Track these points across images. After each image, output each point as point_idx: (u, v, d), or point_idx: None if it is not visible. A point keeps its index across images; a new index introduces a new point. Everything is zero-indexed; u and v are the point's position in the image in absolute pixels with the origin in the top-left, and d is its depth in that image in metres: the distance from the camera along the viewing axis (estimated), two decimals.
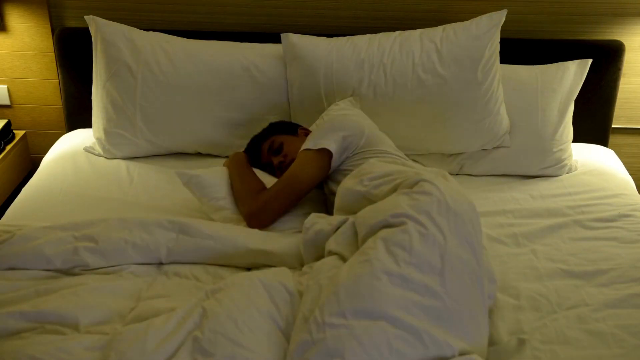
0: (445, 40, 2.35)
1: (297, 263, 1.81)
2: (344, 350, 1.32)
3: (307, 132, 2.25)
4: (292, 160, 2.09)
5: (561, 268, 1.89)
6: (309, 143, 2.03)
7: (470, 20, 2.37)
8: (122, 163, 2.45)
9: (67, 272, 1.77)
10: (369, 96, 2.36)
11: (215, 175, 2.09)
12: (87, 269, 1.77)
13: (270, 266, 1.78)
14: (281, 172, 2.13)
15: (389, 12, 2.63)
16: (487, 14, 2.35)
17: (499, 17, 2.34)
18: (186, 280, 1.78)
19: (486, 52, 2.33)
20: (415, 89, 2.34)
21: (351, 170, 1.98)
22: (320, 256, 1.74)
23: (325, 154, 2.01)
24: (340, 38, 2.43)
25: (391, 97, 2.35)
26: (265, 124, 2.38)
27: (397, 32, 2.42)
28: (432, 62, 2.33)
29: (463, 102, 2.34)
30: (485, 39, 2.33)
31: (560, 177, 2.43)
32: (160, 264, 1.84)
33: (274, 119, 2.43)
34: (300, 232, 1.85)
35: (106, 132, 2.45)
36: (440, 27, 2.40)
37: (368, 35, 2.43)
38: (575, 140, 2.53)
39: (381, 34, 2.43)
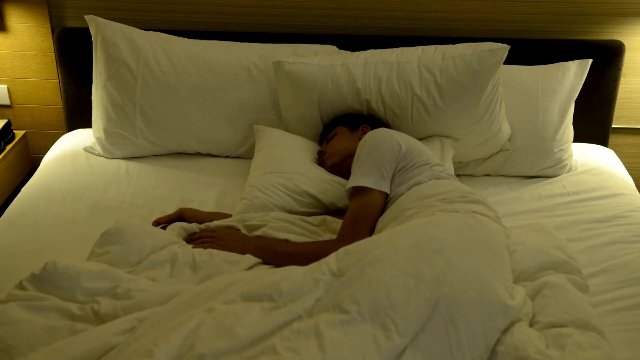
0: (444, 72, 2.25)
1: None
2: None
3: (365, 131, 2.19)
4: (331, 154, 2.18)
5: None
6: (353, 177, 1.93)
7: (472, 50, 2.25)
8: (122, 163, 2.45)
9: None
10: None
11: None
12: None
13: None
14: (318, 160, 2.24)
15: (390, 12, 2.62)
16: (489, 49, 2.23)
17: (502, 53, 2.23)
18: None
19: (488, 87, 2.26)
20: (417, 120, 2.29)
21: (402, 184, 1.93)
22: None
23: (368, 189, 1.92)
24: (334, 62, 2.33)
25: (391, 127, 2.30)
26: (264, 124, 2.42)
27: (394, 58, 2.31)
28: (432, 98, 2.26)
29: (463, 132, 2.32)
30: (486, 76, 2.24)
31: (560, 177, 2.43)
32: None
33: (273, 118, 2.44)
34: None
35: (106, 132, 2.45)
36: (439, 55, 2.29)
37: (363, 58, 2.33)
38: (575, 140, 2.53)
39: (377, 58, 2.32)
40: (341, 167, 2.16)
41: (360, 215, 1.86)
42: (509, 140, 2.41)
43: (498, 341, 1.48)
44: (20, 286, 1.59)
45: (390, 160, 1.91)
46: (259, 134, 2.38)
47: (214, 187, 2.32)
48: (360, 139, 2.17)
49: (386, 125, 2.29)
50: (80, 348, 1.40)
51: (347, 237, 1.81)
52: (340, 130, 2.24)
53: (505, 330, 1.50)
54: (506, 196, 2.33)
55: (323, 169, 2.20)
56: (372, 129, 2.20)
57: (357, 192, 1.89)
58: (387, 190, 1.90)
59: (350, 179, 1.94)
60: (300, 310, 1.43)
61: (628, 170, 2.53)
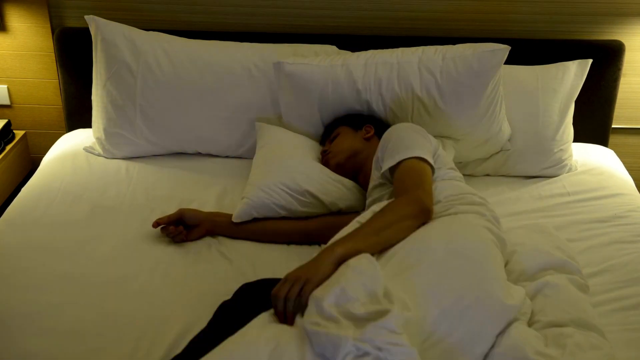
0: (445, 73, 2.24)
1: None
2: None
3: (369, 131, 2.21)
4: (335, 153, 2.17)
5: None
6: (393, 157, 1.88)
7: (472, 50, 2.24)
8: (122, 163, 2.45)
9: None
10: None
11: None
12: None
13: None
14: (322, 159, 2.23)
15: (390, 11, 2.63)
16: (490, 49, 2.22)
17: (502, 54, 2.22)
18: None
19: (488, 88, 2.25)
20: (417, 120, 2.28)
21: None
22: None
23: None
24: (335, 62, 2.32)
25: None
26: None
27: (394, 59, 2.30)
28: (432, 98, 2.25)
29: (464, 132, 2.32)
30: (487, 77, 2.23)
31: (560, 177, 2.43)
32: None
33: (273, 118, 2.44)
34: None
35: (106, 132, 2.45)
36: (439, 55, 2.28)
37: (363, 59, 2.32)
38: (575, 140, 2.53)
39: (377, 59, 2.31)
40: (346, 166, 2.16)
41: (421, 175, 1.82)
42: (509, 140, 2.41)
43: (495, 343, 1.47)
44: None
45: (431, 142, 1.98)
46: (260, 131, 2.38)
47: (214, 187, 2.32)
48: (364, 138, 2.19)
49: (389, 126, 2.29)
50: None
51: (414, 188, 1.74)
52: (344, 130, 2.24)
53: (502, 331, 1.49)
54: (506, 196, 2.33)
55: (325, 168, 2.19)
56: (375, 129, 2.21)
57: (407, 164, 1.85)
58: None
59: (386, 161, 1.90)
60: None
61: (628, 170, 2.53)
